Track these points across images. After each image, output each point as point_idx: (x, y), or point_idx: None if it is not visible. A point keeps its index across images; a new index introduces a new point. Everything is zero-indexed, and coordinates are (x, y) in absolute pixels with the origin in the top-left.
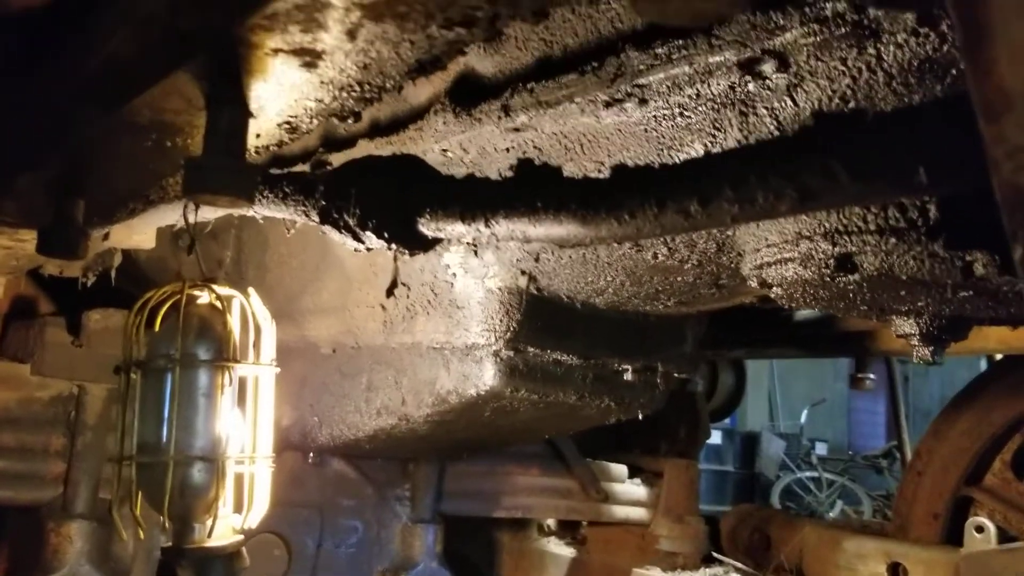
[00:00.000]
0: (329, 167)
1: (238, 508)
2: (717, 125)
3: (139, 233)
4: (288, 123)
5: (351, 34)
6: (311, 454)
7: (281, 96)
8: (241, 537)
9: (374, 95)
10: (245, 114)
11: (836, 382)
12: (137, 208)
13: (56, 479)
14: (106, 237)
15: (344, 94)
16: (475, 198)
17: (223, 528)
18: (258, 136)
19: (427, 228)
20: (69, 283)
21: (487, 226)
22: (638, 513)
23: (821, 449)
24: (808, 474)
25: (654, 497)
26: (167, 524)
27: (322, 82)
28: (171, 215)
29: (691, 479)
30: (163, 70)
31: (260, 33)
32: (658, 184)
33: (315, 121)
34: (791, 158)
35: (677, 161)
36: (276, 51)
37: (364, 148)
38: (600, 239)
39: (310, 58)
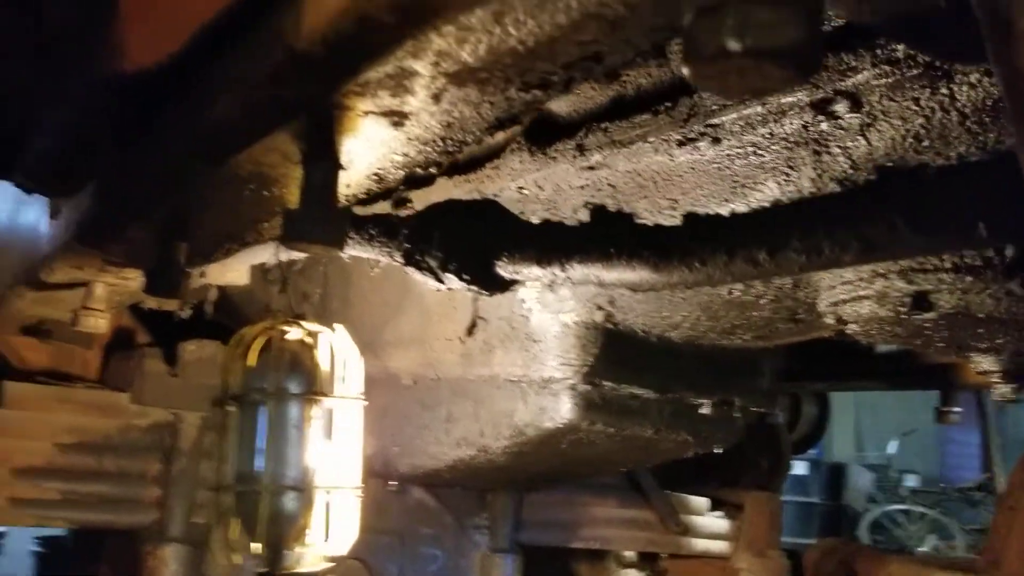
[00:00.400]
0: (410, 203)
1: (326, 535)
2: (791, 164)
3: (233, 270)
4: (376, 174)
5: (436, 97)
6: (392, 482)
7: (370, 151)
8: (330, 564)
9: (456, 148)
10: (337, 168)
11: (926, 411)
12: (233, 249)
13: (153, 504)
14: (202, 274)
15: (428, 148)
16: (550, 242)
17: (312, 555)
18: (348, 186)
19: (504, 270)
20: (165, 314)
21: (562, 270)
22: (718, 546)
23: (912, 481)
24: (898, 507)
25: (735, 530)
26: (261, 550)
27: (408, 139)
28: (264, 254)
29: (773, 512)
30: (264, 131)
31: (353, 98)
32: (728, 233)
33: (401, 172)
34: (855, 209)
35: (752, 200)
36: (367, 113)
37: (443, 185)
38: (672, 285)
39: (398, 118)
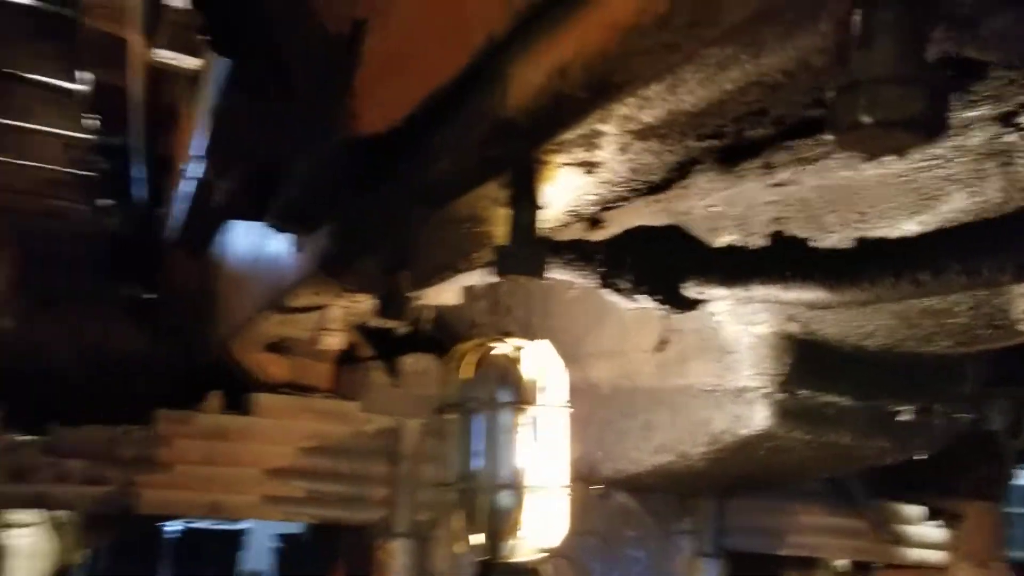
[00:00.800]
0: (603, 224)
1: (538, 529)
2: (978, 175)
3: (447, 292)
4: (571, 211)
5: (622, 150)
6: (596, 486)
7: (566, 194)
8: (542, 555)
9: (641, 186)
10: (538, 208)
11: None
12: (448, 275)
13: (381, 502)
14: (420, 297)
15: (617, 188)
16: (732, 264)
17: (525, 546)
18: (546, 222)
19: (691, 291)
20: (385, 330)
21: (745, 291)
22: (935, 556)
23: None
24: None
25: (953, 540)
26: (481, 542)
27: (599, 182)
28: (473, 278)
29: (995, 522)
30: (477, 183)
31: (550, 154)
32: (894, 255)
33: (593, 208)
34: (1011, 234)
35: (939, 211)
36: (563, 164)
37: (634, 205)
38: (844, 304)
39: (589, 167)
